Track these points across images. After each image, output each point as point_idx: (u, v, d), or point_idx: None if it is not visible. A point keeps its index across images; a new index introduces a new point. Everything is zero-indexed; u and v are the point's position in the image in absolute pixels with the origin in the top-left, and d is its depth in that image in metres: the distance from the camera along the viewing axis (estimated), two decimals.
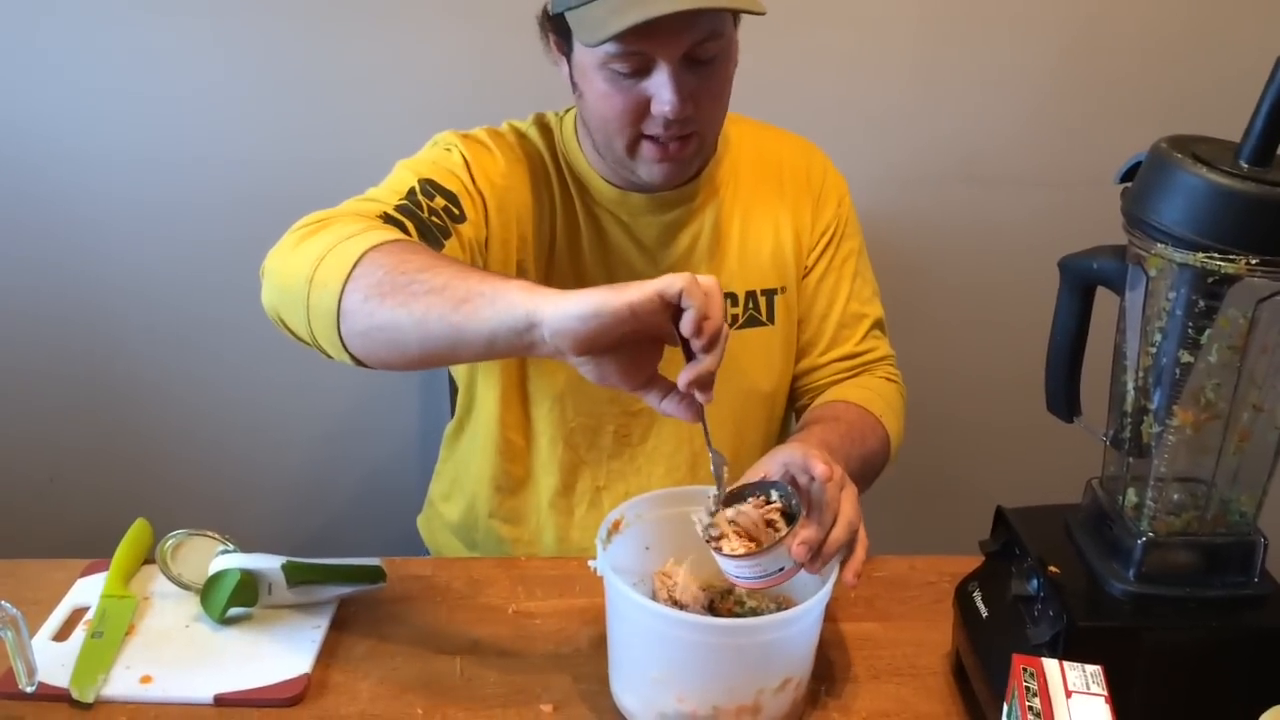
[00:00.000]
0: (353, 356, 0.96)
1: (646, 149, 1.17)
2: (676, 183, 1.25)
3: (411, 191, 1.13)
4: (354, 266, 0.94)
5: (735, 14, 1.15)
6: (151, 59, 1.69)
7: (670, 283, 0.83)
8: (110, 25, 1.67)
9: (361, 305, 0.92)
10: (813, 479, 0.96)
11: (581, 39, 1.10)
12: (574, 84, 1.19)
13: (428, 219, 1.11)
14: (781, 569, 0.94)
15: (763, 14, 1.08)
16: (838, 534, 0.95)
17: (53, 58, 1.69)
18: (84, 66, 1.70)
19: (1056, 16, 1.73)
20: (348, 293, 0.93)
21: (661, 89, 1.10)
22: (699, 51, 1.11)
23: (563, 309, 0.83)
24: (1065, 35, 1.74)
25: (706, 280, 0.85)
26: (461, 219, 1.15)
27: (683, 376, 0.87)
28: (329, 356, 0.99)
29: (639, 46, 1.08)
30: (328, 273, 0.95)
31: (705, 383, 0.87)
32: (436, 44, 1.70)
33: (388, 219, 1.07)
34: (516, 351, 0.89)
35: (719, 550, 0.95)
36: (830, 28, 1.72)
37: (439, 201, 1.14)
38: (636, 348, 0.88)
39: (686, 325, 0.84)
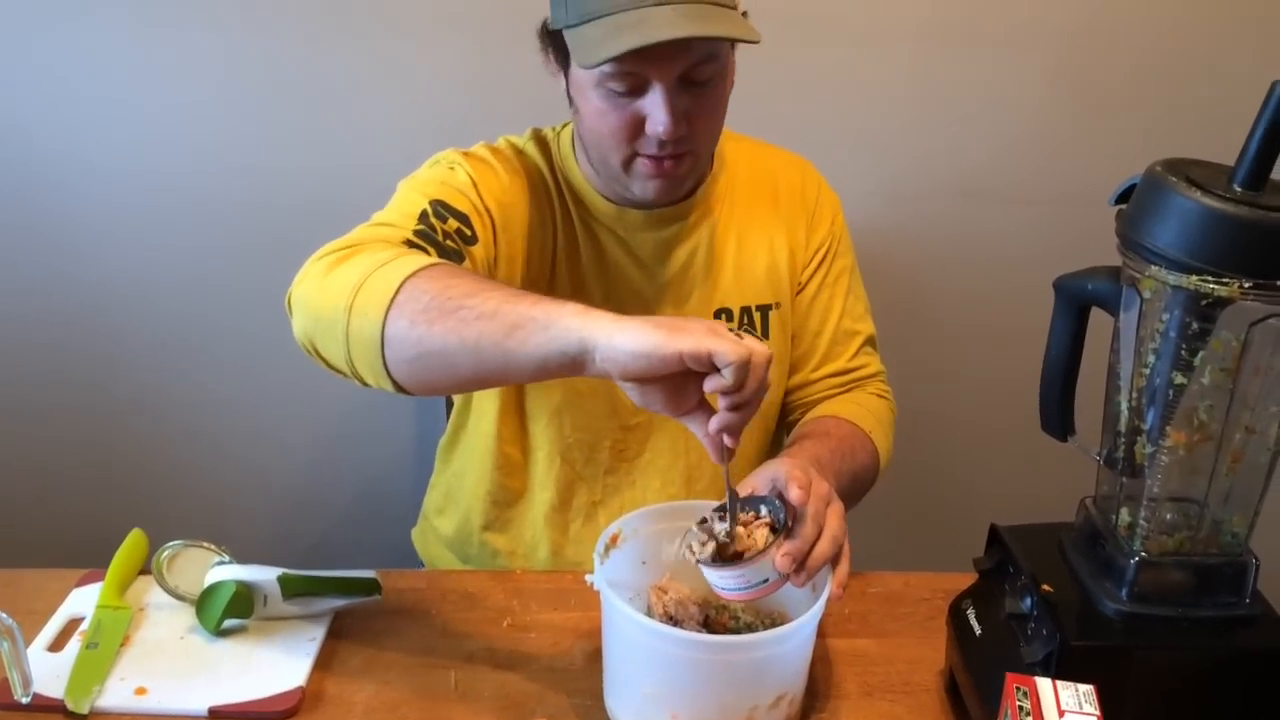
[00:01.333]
0: (395, 383, 0.96)
1: (641, 165, 1.17)
2: (669, 200, 1.26)
3: (424, 214, 1.12)
4: (396, 293, 0.93)
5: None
6: (152, 68, 1.70)
7: (724, 352, 0.84)
8: (111, 35, 1.68)
9: (409, 332, 0.92)
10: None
11: (578, 60, 1.10)
12: (570, 99, 1.20)
13: (443, 243, 1.11)
14: (766, 580, 0.95)
15: (757, 42, 1.08)
16: (823, 548, 0.96)
17: (53, 66, 1.69)
18: (84, 75, 1.70)
19: (1048, 36, 1.74)
20: (391, 319, 0.93)
21: (656, 109, 1.11)
22: (694, 74, 1.11)
23: (615, 343, 0.85)
24: (1056, 55, 1.76)
25: (760, 355, 0.87)
26: (473, 240, 1.15)
27: (713, 422, 0.90)
28: (365, 384, 0.98)
29: (635, 68, 1.09)
30: (368, 300, 0.94)
31: (733, 431, 0.90)
32: (436, 56, 1.71)
33: (411, 246, 1.07)
34: (565, 374, 0.90)
35: (703, 561, 0.95)
36: (825, 46, 1.73)
37: (451, 224, 1.14)
38: (684, 378, 0.89)
39: (710, 387, 0.87)
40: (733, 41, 1.12)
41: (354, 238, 1.06)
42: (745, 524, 0.98)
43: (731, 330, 0.88)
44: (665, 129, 1.11)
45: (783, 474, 0.99)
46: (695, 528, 0.98)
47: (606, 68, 1.09)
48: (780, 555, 0.93)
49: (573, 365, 0.88)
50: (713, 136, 1.22)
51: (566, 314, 0.88)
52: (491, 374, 0.94)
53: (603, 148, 1.17)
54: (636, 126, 1.13)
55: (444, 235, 1.12)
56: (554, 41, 1.18)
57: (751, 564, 0.93)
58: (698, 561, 0.96)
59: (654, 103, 1.11)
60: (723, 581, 0.95)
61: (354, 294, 0.95)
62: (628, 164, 1.18)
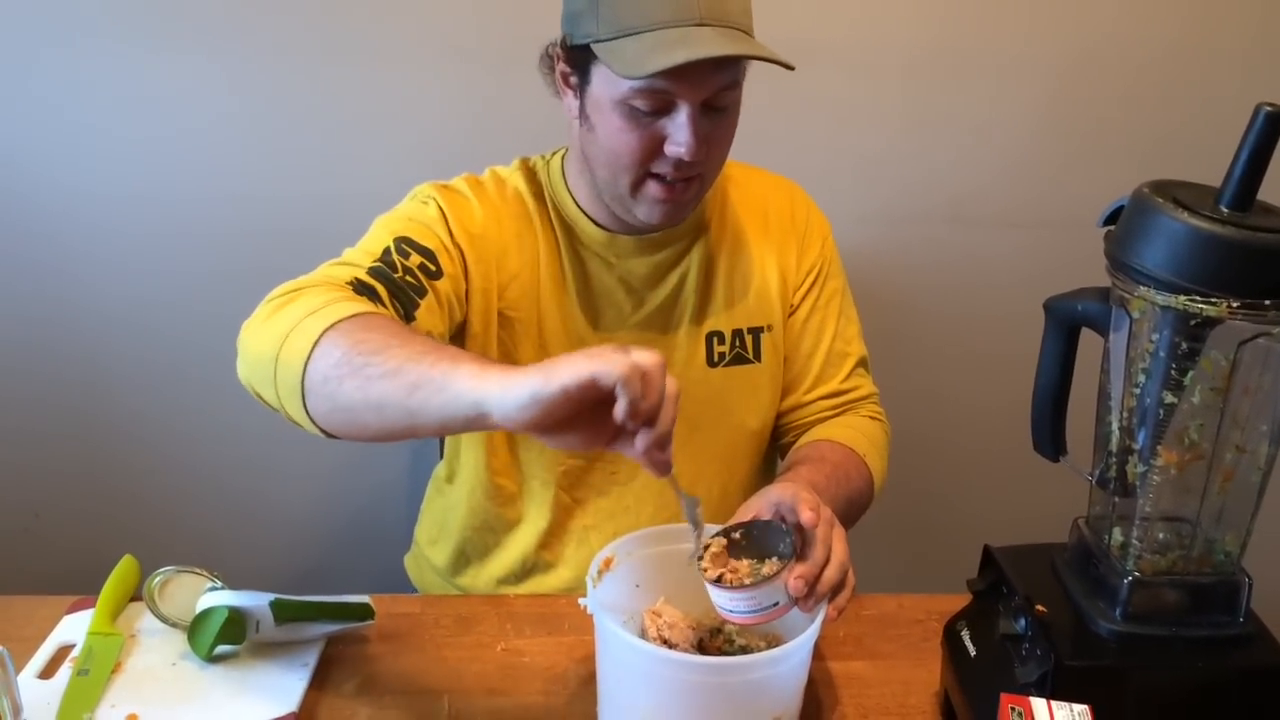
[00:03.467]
0: (324, 432, 0.97)
1: (651, 188, 1.18)
2: (670, 224, 1.26)
3: (386, 251, 1.14)
4: (314, 346, 0.94)
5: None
6: (146, 96, 1.70)
7: (605, 370, 0.80)
8: (105, 62, 1.68)
9: (321, 386, 0.93)
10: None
11: (619, 71, 1.09)
12: (584, 117, 1.19)
13: (401, 278, 1.12)
14: (776, 604, 0.94)
15: (792, 69, 1.10)
16: (830, 573, 0.96)
17: (47, 94, 1.70)
18: (78, 102, 1.70)
19: (1038, 62, 1.76)
20: (309, 373, 0.94)
21: (680, 131, 1.12)
22: (718, 99, 1.13)
23: (505, 401, 0.82)
24: (1046, 80, 1.77)
25: (647, 361, 0.82)
26: (438, 275, 1.16)
27: (638, 442, 0.85)
28: (301, 427, 0.99)
29: (668, 86, 1.10)
30: (291, 351, 0.96)
31: (660, 445, 0.86)
32: (432, 85, 1.71)
33: (359, 285, 1.08)
34: (472, 430, 0.87)
35: (713, 582, 0.95)
36: (818, 72, 1.74)
37: (414, 259, 1.15)
38: (590, 413, 0.84)
39: (619, 413, 0.82)
40: (774, 63, 1.12)
41: (305, 279, 1.08)
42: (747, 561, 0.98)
43: (623, 349, 0.83)
44: (688, 150, 1.12)
45: (788, 498, 0.99)
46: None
47: (637, 84, 1.09)
48: (793, 579, 0.93)
49: (472, 425, 0.86)
50: (720, 164, 1.23)
51: (461, 376, 0.85)
52: (398, 431, 0.92)
53: (615, 168, 1.18)
54: (655, 147, 1.14)
55: (404, 270, 1.13)
56: (571, 58, 1.18)
57: (762, 587, 0.93)
58: (707, 581, 0.95)
59: (679, 124, 1.12)
60: (731, 604, 0.95)
61: (281, 344, 0.97)
62: (637, 186, 1.18)
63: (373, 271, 1.11)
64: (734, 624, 0.99)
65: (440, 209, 1.22)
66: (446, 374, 0.87)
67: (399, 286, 1.11)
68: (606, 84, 1.13)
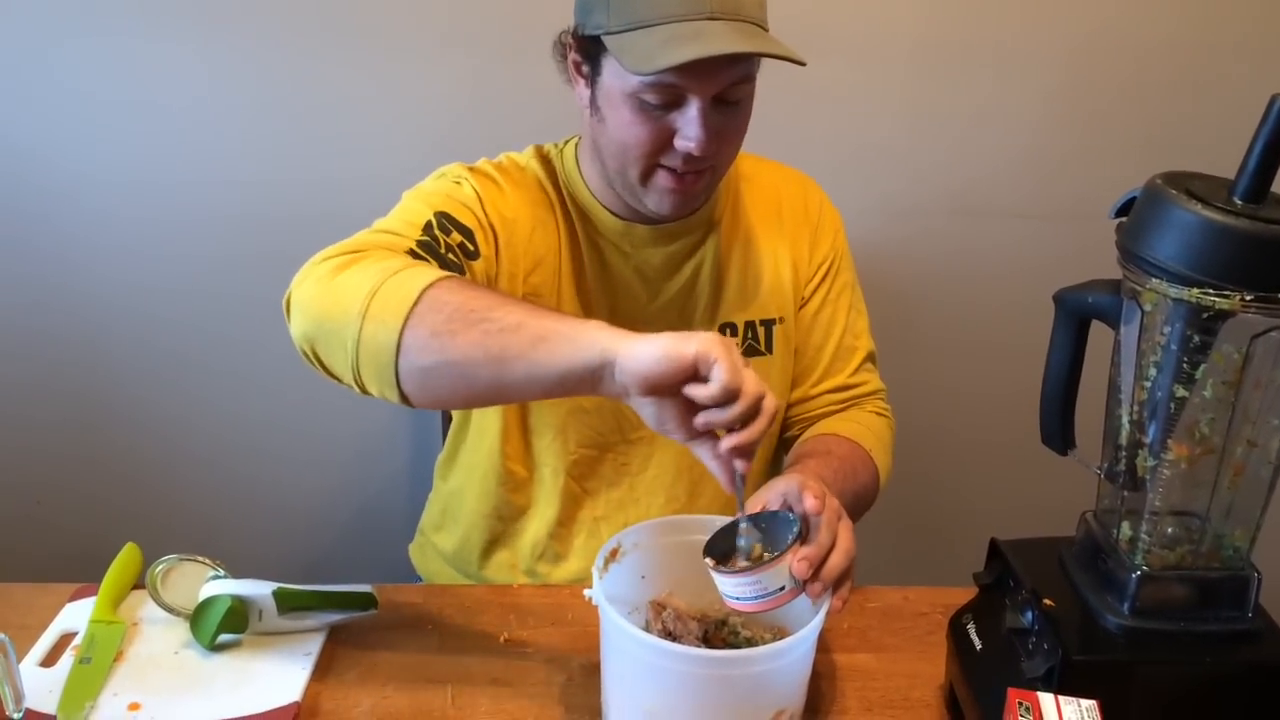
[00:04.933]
0: (402, 393, 0.95)
1: (661, 178, 1.17)
2: (681, 215, 1.26)
3: (429, 225, 1.12)
4: (416, 302, 0.93)
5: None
6: (145, 82, 1.70)
7: (705, 354, 0.87)
8: (106, 49, 1.68)
9: (429, 341, 0.92)
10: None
11: (629, 65, 1.09)
12: (595, 108, 1.18)
13: (445, 255, 1.11)
14: (782, 588, 0.94)
15: (804, 64, 1.09)
16: (837, 560, 0.96)
17: (48, 81, 1.69)
18: (77, 89, 1.70)
19: (1046, 51, 1.75)
20: (410, 328, 0.93)
21: (689, 125, 1.11)
22: (730, 93, 1.12)
23: (635, 352, 0.88)
24: (1054, 69, 1.76)
25: (753, 383, 0.88)
26: (475, 255, 1.15)
27: (724, 441, 0.91)
28: (365, 392, 0.98)
29: (678, 80, 1.09)
30: (385, 307, 0.94)
31: (744, 452, 0.91)
32: (430, 71, 1.71)
33: (413, 256, 1.06)
34: (580, 390, 0.92)
35: (718, 569, 0.95)
36: (822, 62, 1.72)
37: (455, 237, 1.14)
38: (695, 403, 0.90)
39: (702, 394, 0.88)
40: (786, 60, 1.10)
41: (358, 243, 1.06)
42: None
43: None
44: (698, 145, 1.11)
45: (795, 485, 0.99)
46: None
47: (648, 78, 1.09)
48: (797, 560, 0.93)
49: (591, 379, 0.90)
50: (733, 156, 1.22)
51: (591, 328, 0.91)
52: (510, 386, 0.94)
53: (625, 159, 1.17)
54: (665, 140, 1.14)
55: (446, 248, 1.11)
56: (583, 48, 1.17)
57: (767, 570, 0.92)
58: (712, 568, 0.95)
59: (689, 119, 1.11)
60: (736, 590, 0.94)
61: (368, 300, 0.95)
62: (647, 177, 1.18)
63: (421, 245, 1.09)
64: (740, 611, 0.99)
65: (475, 190, 1.21)
66: (575, 328, 0.92)
67: (446, 263, 1.10)
68: (617, 76, 1.12)
